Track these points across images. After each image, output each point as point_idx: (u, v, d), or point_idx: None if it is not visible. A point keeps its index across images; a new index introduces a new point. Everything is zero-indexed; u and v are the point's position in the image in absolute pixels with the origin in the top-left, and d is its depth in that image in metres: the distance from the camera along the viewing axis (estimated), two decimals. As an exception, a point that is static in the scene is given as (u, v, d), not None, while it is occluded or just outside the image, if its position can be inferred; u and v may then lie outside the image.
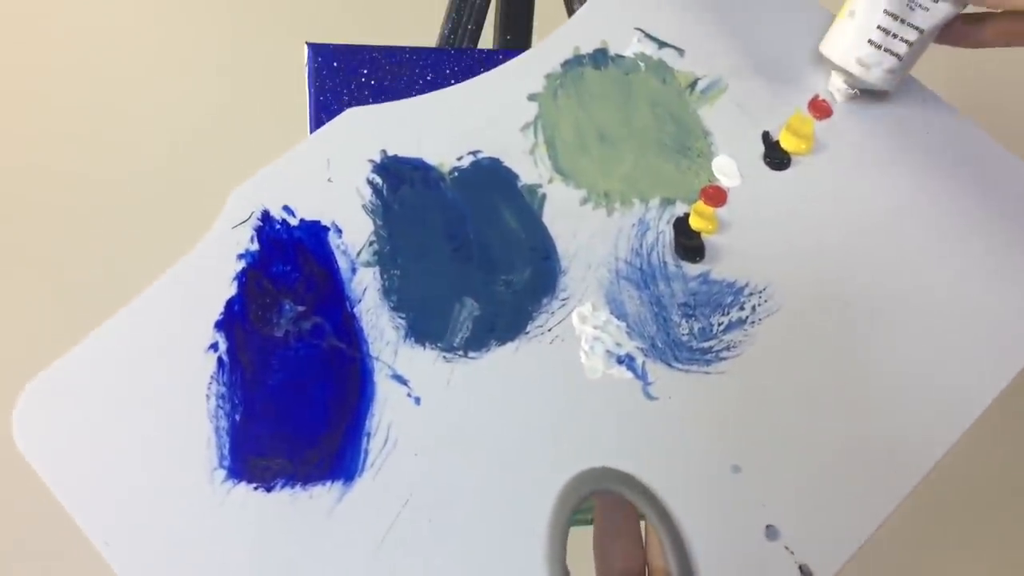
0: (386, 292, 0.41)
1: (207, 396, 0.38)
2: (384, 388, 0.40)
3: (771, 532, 0.39)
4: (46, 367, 0.38)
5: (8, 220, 1.22)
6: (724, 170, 0.45)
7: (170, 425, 0.38)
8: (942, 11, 0.43)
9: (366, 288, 0.41)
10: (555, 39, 0.47)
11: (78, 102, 1.28)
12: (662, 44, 0.47)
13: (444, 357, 0.40)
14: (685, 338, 0.42)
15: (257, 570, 0.37)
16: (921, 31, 0.44)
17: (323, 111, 0.51)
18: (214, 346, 0.39)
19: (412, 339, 0.40)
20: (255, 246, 0.41)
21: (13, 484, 0.82)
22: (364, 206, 0.42)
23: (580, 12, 0.47)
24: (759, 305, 0.42)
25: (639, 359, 0.41)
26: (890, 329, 0.42)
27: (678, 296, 0.42)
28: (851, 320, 0.42)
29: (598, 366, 0.41)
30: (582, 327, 0.41)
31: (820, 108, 0.46)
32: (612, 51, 0.46)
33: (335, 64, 0.51)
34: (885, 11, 0.44)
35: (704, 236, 0.43)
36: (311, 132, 0.50)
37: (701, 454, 0.40)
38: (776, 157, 0.45)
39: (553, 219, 0.43)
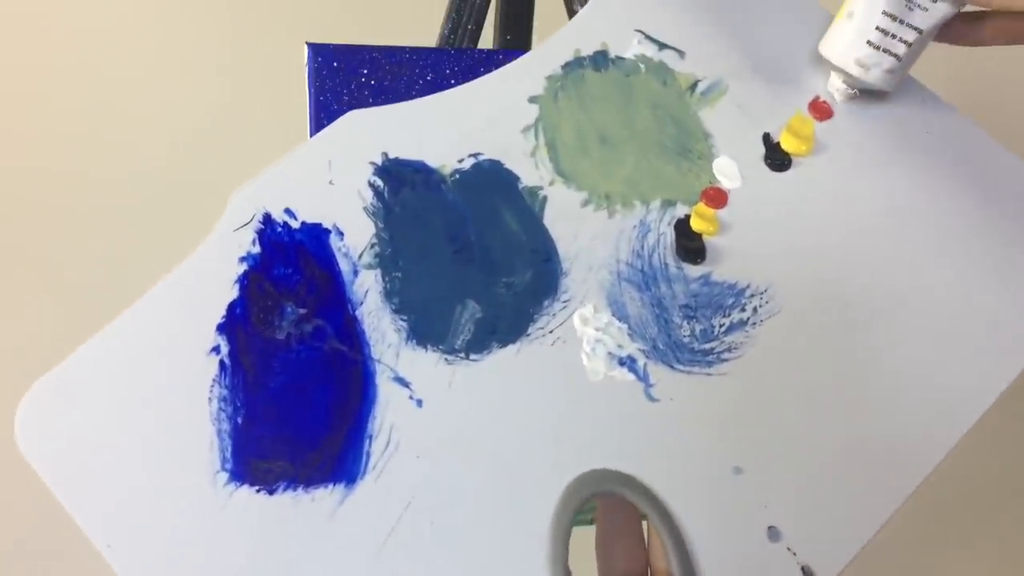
0: (387, 294, 0.41)
1: (209, 399, 0.38)
2: (386, 390, 0.40)
3: (773, 533, 0.39)
4: (46, 367, 0.38)
5: (8, 220, 1.22)
6: (725, 172, 0.45)
7: (172, 428, 0.38)
8: (940, 11, 0.43)
9: (367, 290, 0.41)
10: (555, 41, 0.47)
11: (78, 102, 1.28)
12: (663, 46, 0.47)
13: (446, 359, 0.40)
14: (687, 340, 0.42)
15: (259, 573, 0.37)
16: (920, 31, 0.44)
17: (323, 111, 0.51)
18: (216, 349, 0.39)
19: (414, 341, 0.40)
20: (256, 249, 0.41)
21: (13, 484, 0.82)
22: (365, 208, 0.42)
23: (581, 14, 0.47)
24: (760, 306, 0.42)
25: (641, 361, 0.41)
26: (891, 329, 0.42)
27: (679, 298, 0.42)
28: (852, 321, 0.42)
29: (600, 368, 0.41)
30: (583, 329, 0.41)
31: (820, 109, 0.46)
32: (613, 53, 0.46)
33: (335, 64, 0.51)
34: (884, 12, 0.44)
35: (705, 238, 0.43)
36: (311, 132, 0.50)
37: (703, 455, 0.40)
38: (777, 158, 0.45)
39: (554, 221, 0.43)
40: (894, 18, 0.44)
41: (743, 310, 0.42)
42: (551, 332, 0.41)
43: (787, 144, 0.45)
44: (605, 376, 0.41)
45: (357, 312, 0.41)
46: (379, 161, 0.43)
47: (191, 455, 0.38)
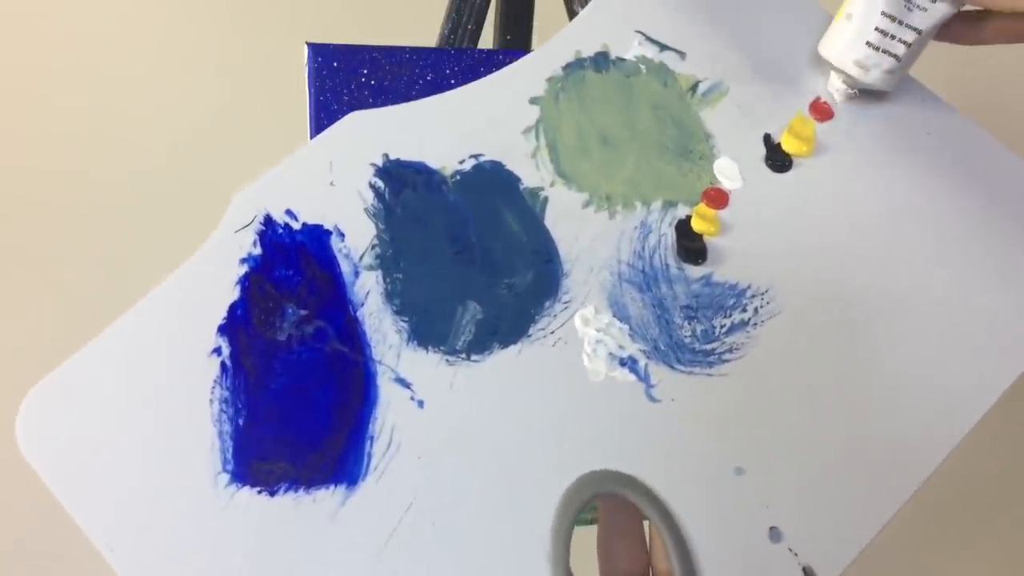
0: (388, 296, 0.41)
1: (210, 400, 0.38)
2: (387, 391, 0.40)
3: (775, 534, 0.39)
4: (46, 367, 0.38)
5: (8, 220, 1.22)
6: (726, 172, 0.45)
7: (173, 429, 0.38)
8: (940, 11, 0.43)
9: (368, 292, 0.41)
10: (556, 42, 0.47)
11: (78, 102, 1.28)
12: (663, 47, 0.47)
13: (447, 360, 0.40)
14: (688, 340, 0.42)
15: (260, 574, 0.37)
16: (919, 32, 0.44)
17: (323, 111, 0.51)
18: (217, 350, 0.39)
19: (415, 342, 0.40)
20: (257, 250, 0.41)
21: (14, 485, 0.82)
22: (366, 210, 0.42)
23: (581, 15, 0.47)
24: (761, 307, 0.42)
25: (642, 361, 0.41)
26: (893, 329, 0.42)
27: (680, 298, 0.42)
28: (853, 321, 0.42)
29: (601, 369, 0.41)
30: (585, 330, 0.41)
31: (821, 110, 0.46)
32: (613, 54, 0.46)
33: (335, 64, 0.51)
34: (883, 13, 0.44)
35: (706, 238, 0.43)
36: (311, 132, 0.50)
37: (704, 456, 0.40)
38: (777, 159, 0.45)
39: (555, 222, 0.43)
40: (893, 19, 0.44)
41: (744, 311, 0.42)
42: (552, 333, 0.41)
43: (788, 145, 0.45)
44: (606, 377, 0.41)
45: (358, 313, 0.41)
46: (380, 162, 0.43)
47: (192, 456, 0.38)
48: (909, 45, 0.44)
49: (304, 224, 0.42)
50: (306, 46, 0.51)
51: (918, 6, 0.43)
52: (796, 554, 0.38)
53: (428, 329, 0.41)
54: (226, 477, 0.38)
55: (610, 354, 0.41)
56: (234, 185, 0.42)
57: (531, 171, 0.44)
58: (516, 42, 0.73)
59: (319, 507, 0.38)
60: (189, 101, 1.29)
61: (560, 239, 0.43)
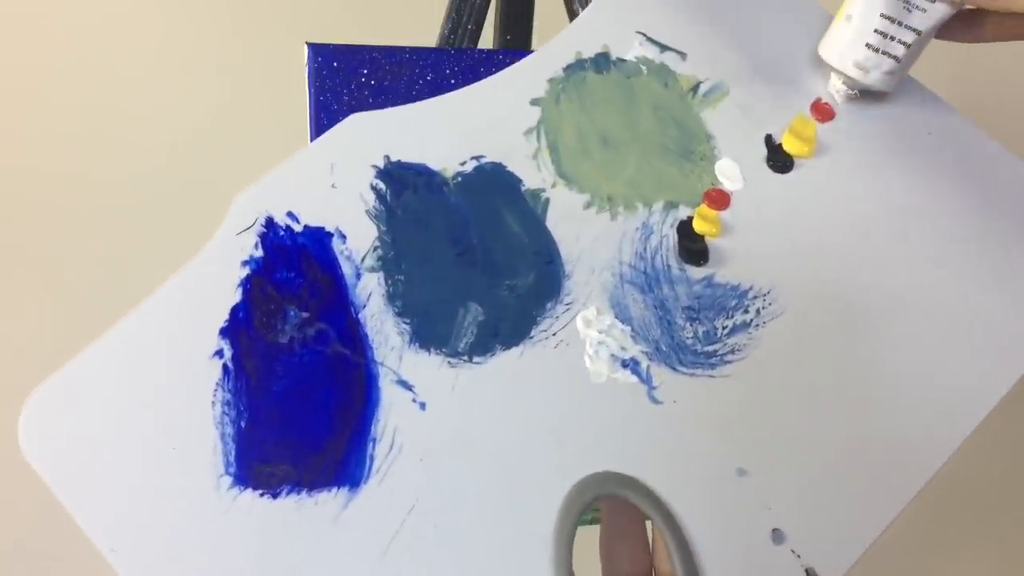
0: (390, 297, 0.41)
1: (212, 403, 0.38)
2: (389, 393, 0.40)
3: (777, 535, 0.39)
4: (47, 367, 0.38)
5: (8, 220, 1.22)
6: (727, 173, 0.45)
7: (175, 432, 0.38)
8: (939, 12, 0.43)
9: (370, 294, 0.41)
10: (557, 43, 0.47)
11: (78, 102, 1.27)
12: (664, 48, 0.47)
13: (449, 362, 0.40)
14: (690, 341, 0.42)
15: (263, 576, 0.37)
16: (918, 32, 0.44)
17: (323, 111, 0.51)
18: (219, 353, 0.39)
19: (416, 344, 0.40)
20: (259, 252, 0.41)
21: (13, 484, 0.82)
22: (368, 211, 0.42)
23: (582, 16, 0.47)
24: (763, 308, 0.42)
25: (644, 363, 0.41)
26: (894, 330, 0.42)
27: (682, 299, 0.42)
28: (855, 321, 0.42)
29: (603, 370, 0.41)
30: (586, 331, 0.41)
31: (822, 111, 0.46)
32: (614, 55, 0.46)
33: (335, 64, 0.51)
34: (882, 14, 0.44)
35: (707, 239, 0.43)
36: (311, 132, 0.50)
37: (706, 457, 0.40)
38: (779, 160, 0.45)
39: (556, 223, 0.43)
40: (892, 20, 0.44)
41: (746, 312, 0.42)
42: (554, 334, 0.41)
43: (789, 145, 0.45)
44: (608, 378, 0.41)
45: (360, 315, 0.41)
46: (381, 164, 0.43)
47: (194, 459, 0.38)
48: (908, 46, 0.44)
49: (305, 226, 0.42)
50: (306, 46, 0.51)
51: (917, 7, 0.43)
52: (799, 556, 0.39)
53: (430, 331, 0.41)
54: (228, 480, 0.38)
55: (612, 356, 0.41)
56: (234, 185, 0.42)
57: (532, 172, 0.44)
58: (516, 42, 0.73)
59: (321, 510, 0.38)
60: (189, 101, 1.29)
61: (561, 240, 0.43)
